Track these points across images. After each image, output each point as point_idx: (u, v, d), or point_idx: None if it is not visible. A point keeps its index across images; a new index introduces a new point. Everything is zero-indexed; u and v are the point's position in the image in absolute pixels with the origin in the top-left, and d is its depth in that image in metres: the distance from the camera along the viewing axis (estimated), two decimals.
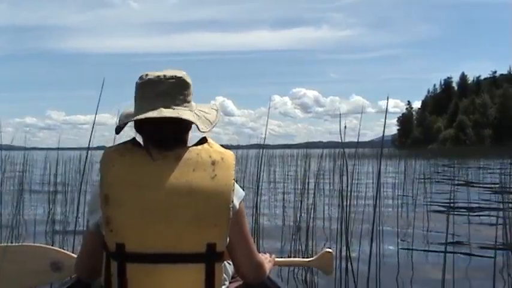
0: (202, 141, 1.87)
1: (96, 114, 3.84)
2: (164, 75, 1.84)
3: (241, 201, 1.88)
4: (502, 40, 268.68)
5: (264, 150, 5.51)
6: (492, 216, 7.68)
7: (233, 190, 1.78)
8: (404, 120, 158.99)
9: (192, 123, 1.83)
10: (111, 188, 1.71)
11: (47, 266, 2.53)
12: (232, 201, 1.77)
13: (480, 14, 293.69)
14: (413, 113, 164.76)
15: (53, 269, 2.53)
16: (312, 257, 2.84)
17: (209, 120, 1.89)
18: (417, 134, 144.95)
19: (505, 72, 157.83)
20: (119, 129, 1.87)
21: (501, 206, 6.26)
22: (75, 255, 2.37)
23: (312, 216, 5.27)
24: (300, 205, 5.72)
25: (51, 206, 7.38)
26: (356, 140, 4.92)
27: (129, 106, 1.93)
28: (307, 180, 6.45)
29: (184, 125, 1.86)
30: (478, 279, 4.70)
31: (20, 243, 3.20)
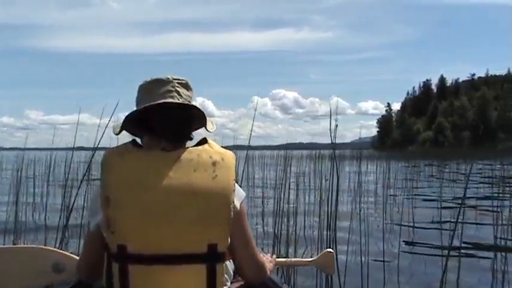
0: (203, 142, 1.88)
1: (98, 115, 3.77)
2: (171, 76, 1.90)
3: (242, 202, 1.88)
4: (481, 43, 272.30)
5: (244, 152, 5.48)
6: None
7: (234, 190, 1.79)
8: (384, 122, 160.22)
9: (201, 116, 1.89)
10: (112, 190, 1.71)
11: (48, 267, 2.52)
12: (233, 202, 1.77)
13: (459, 16, 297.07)
14: (393, 114, 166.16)
15: (54, 271, 2.52)
16: (312, 257, 2.87)
17: (211, 124, 1.97)
18: (396, 135, 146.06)
19: (483, 75, 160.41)
20: (124, 124, 1.88)
21: None
22: (77, 257, 2.38)
23: (292, 220, 5.27)
24: (279, 208, 5.72)
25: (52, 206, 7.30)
26: (336, 142, 4.90)
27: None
28: (287, 182, 6.45)
29: (192, 118, 1.90)
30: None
31: (21, 245, 3.23)
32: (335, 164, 4.47)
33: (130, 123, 1.90)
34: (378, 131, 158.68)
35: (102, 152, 1.84)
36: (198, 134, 2.02)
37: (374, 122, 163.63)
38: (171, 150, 1.80)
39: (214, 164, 1.78)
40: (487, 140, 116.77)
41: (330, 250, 2.75)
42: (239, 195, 1.86)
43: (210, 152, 1.82)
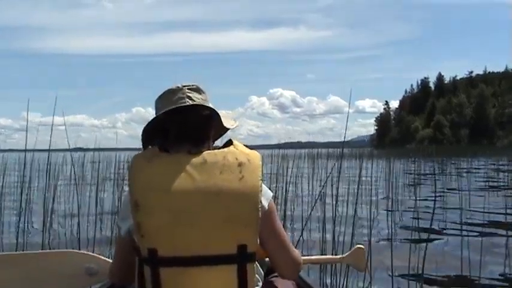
0: (228, 143, 1.90)
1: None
2: (181, 84, 1.95)
3: (270, 201, 1.89)
4: (479, 41, 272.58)
5: None
6: None
7: (261, 191, 1.79)
8: (382, 120, 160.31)
9: (216, 115, 1.93)
10: (141, 194, 1.73)
11: (82, 271, 2.57)
12: (261, 202, 1.78)
13: (457, 14, 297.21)
14: (391, 113, 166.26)
15: (88, 274, 2.57)
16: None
17: (229, 121, 2.01)
18: (395, 134, 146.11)
19: (481, 72, 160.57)
20: (146, 135, 1.94)
21: None
22: (109, 260, 2.46)
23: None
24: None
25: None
26: (335, 140, 4.92)
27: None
28: (286, 180, 6.45)
29: (210, 118, 1.94)
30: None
31: (54, 250, 3.31)
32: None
33: (153, 135, 1.95)
34: (376, 129, 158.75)
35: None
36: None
37: (372, 120, 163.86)
38: (197, 153, 1.82)
39: (240, 165, 1.80)
40: (485, 137, 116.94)
41: (361, 246, 2.67)
42: (266, 195, 1.87)
43: (236, 153, 1.84)
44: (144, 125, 1.94)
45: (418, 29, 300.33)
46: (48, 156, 6.10)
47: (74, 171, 6.66)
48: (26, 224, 6.64)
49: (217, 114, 1.94)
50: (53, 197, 6.99)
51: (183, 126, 1.89)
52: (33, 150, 7.21)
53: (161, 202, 1.72)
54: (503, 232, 6.31)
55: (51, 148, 5.71)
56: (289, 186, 6.19)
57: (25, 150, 5.75)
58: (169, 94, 1.94)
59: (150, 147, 1.91)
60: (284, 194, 5.89)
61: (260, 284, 2.04)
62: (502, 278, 4.82)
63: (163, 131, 1.94)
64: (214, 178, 1.75)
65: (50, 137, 5.26)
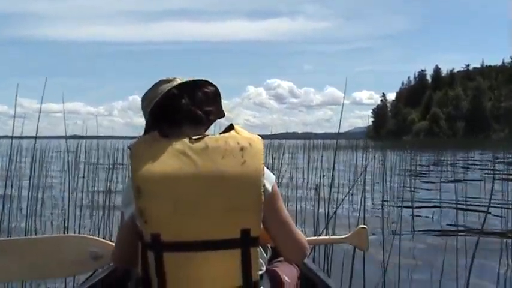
0: (229, 128, 1.89)
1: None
2: (172, 77, 1.96)
3: (273, 184, 1.88)
4: (476, 34, 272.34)
5: None
6: None
7: (263, 174, 1.78)
8: (379, 112, 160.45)
9: (217, 95, 1.98)
10: (143, 180, 1.72)
11: (86, 255, 2.57)
12: (264, 186, 1.78)
13: (455, 7, 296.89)
14: (388, 104, 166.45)
15: (92, 258, 2.57)
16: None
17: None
18: (391, 125, 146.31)
19: (478, 65, 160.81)
20: (147, 125, 1.94)
21: None
22: (113, 244, 2.43)
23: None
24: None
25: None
26: (331, 131, 4.93)
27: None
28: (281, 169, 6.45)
29: (214, 95, 1.98)
30: None
31: (58, 234, 3.31)
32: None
33: (153, 123, 1.93)
34: (372, 121, 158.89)
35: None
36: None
37: (369, 112, 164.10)
38: (198, 138, 1.80)
39: (242, 149, 1.78)
40: (481, 130, 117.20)
41: (363, 226, 2.71)
42: (270, 179, 1.86)
43: (237, 138, 1.82)
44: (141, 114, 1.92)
45: (415, 22, 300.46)
46: (34, 143, 6.07)
47: (68, 158, 6.64)
48: (13, 207, 6.63)
49: (218, 95, 1.97)
50: (44, 183, 6.96)
51: (184, 104, 1.89)
52: (28, 137, 7.17)
53: (163, 188, 1.71)
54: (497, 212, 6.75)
55: (47, 135, 5.67)
56: (284, 175, 6.19)
57: (12, 137, 5.72)
58: (161, 83, 1.94)
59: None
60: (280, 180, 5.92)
61: (264, 268, 2.04)
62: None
63: (163, 116, 1.92)
64: (216, 163, 1.74)
65: (60, 125, 5.21)
